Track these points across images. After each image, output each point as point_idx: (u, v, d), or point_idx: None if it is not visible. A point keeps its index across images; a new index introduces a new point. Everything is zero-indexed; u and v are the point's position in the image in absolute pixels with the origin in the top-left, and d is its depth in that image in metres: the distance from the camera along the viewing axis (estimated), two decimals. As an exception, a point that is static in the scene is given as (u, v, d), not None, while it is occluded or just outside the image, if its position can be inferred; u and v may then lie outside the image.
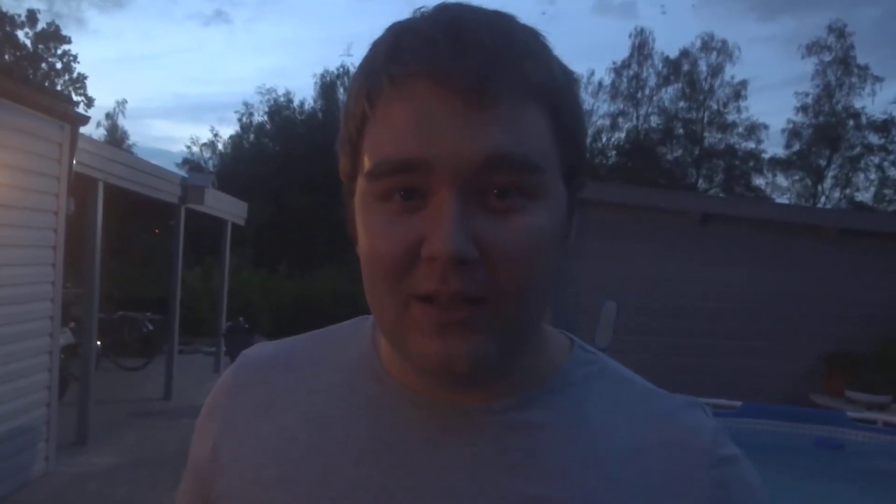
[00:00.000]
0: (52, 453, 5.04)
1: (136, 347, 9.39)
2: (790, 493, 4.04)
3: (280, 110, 26.80)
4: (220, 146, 28.71)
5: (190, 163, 25.99)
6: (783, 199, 31.63)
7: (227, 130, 59.25)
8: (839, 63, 28.08)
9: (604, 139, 33.29)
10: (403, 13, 0.55)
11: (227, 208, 9.17)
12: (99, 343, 7.20)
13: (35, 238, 4.83)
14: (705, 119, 31.14)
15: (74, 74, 24.83)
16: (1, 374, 4.40)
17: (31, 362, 4.80)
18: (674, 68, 30.31)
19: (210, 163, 27.02)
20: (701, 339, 5.91)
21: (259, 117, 27.35)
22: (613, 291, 5.63)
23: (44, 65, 23.96)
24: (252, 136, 28.99)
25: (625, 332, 5.62)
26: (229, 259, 9.97)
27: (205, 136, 47.76)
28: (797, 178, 30.45)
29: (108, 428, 6.10)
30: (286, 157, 24.44)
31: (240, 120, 27.37)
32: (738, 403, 4.46)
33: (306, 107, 26.64)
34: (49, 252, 4.97)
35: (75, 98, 23.19)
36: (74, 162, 5.19)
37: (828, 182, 29.91)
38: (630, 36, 29.22)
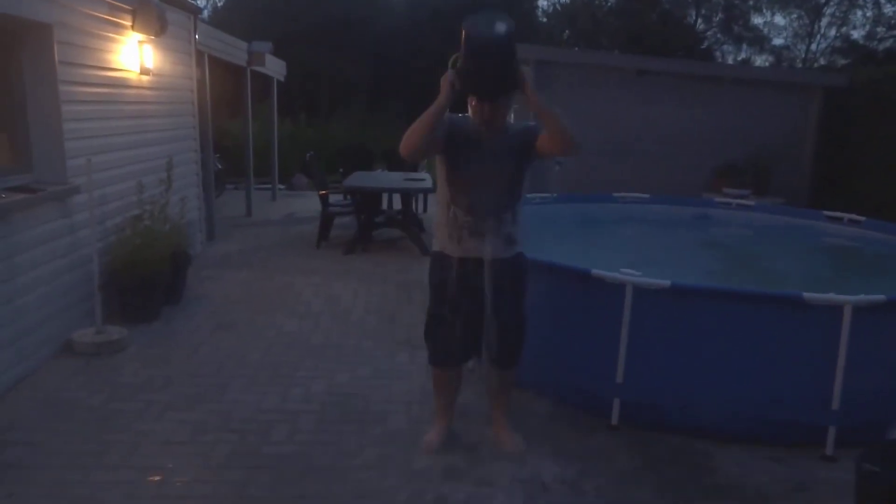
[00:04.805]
0: (203, 240, 8.05)
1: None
2: (683, 238, 7.06)
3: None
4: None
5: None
6: (779, 39, 33.09)
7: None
8: None
9: (604, -21, 33.94)
10: None
11: (276, 68, 11.62)
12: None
13: (184, 97, 7.52)
14: (707, -46, 31.74)
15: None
16: (179, 188, 7.27)
17: (190, 180, 7.67)
18: None
19: (205, 11, 28.39)
20: (635, 155, 8.80)
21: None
22: (574, 125, 8.38)
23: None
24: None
25: (584, 153, 8.45)
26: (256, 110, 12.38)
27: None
28: (795, 15, 31.63)
29: (220, 232, 9.05)
30: (285, 4, 25.77)
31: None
32: (647, 195, 7.38)
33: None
34: (191, 107, 7.69)
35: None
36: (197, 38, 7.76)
37: (825, 20, 31.19)
38: None
